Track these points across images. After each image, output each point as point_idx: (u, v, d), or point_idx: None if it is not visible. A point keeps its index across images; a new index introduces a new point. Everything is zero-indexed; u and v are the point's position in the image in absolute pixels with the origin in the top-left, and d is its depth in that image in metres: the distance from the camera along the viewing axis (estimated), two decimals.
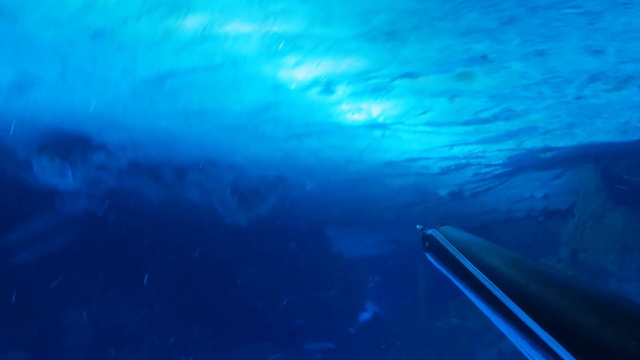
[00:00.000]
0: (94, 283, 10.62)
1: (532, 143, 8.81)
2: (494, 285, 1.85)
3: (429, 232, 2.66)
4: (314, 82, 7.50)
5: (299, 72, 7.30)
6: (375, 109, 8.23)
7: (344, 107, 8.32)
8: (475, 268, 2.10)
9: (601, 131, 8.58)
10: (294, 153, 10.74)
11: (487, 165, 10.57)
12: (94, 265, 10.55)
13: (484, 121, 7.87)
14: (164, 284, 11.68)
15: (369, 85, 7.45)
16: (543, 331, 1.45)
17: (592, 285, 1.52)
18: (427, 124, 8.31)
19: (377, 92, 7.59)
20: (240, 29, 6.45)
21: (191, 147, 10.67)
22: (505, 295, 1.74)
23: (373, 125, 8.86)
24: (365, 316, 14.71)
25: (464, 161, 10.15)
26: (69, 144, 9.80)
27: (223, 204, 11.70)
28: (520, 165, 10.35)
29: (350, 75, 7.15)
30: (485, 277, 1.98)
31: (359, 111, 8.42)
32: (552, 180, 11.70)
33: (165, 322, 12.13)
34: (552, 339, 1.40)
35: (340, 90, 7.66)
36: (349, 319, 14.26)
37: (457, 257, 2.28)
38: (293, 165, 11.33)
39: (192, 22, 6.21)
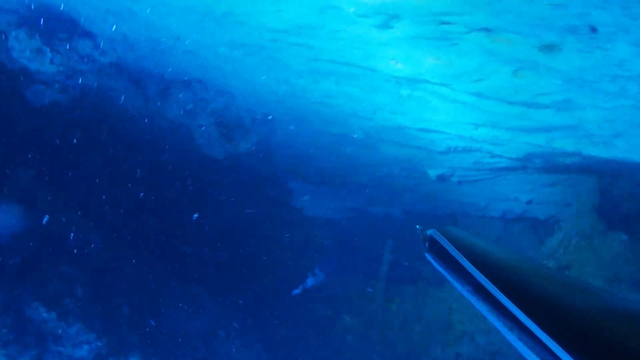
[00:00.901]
0: (42, 183, 9.04)
1: (562, 144, 8.13)
2: (494, 287, 1.81)
3: (430, 232, 2.69)
4: (376, 10, 6.32)
5: None
6: (426, 63, 7.18)
7: (392, 51, 7.21)
8: (475, 269, 2.05)
9: None
10: (301, 93, 9.53)
11: (495, 156, 9.85)
12: (48, 163, 8.97)
13: (534, 106, 7.04)
14: (116, 196, 10.24)
15: (436, 32, 6.37)
16: (543, 333, 1.45)
17: (594, 287, 1.53)
18: (473, 93, 7.37)
19: (441, 41, 6.53)
20: None
21: (186, 59, 9.19)
22: (505, 298, 1.70)
23: (409, 80, 7.84)
24: (312, 281, 13.89)
25: (477, 145, 9.36)
26: (54, 24, 8.30)
27: (202, 129, 10.33)
28: (528, 164, 9.69)
29: (422, 11, 6.02)
30: (485, 278, 1.92)
31: (406, 60, 7.34)
32: (545, 187, 11.19)
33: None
34: (551, 340, 1.41)
35: (399, 29, 6.53)
36: (295, 280, 13.41)
37: (457, 258, 2.24)
38: (292, 107, 10.12)
39: None
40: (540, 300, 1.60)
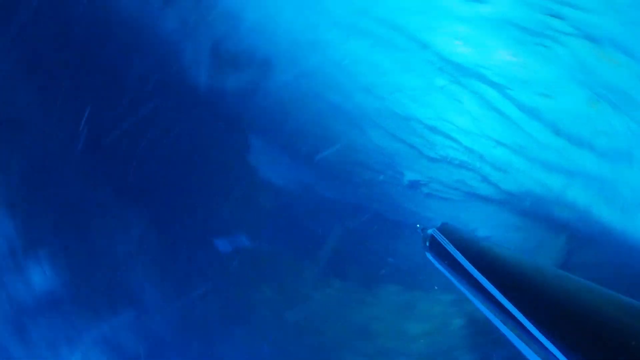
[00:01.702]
0: None
1: (575, 195, 7.50)
2: (493, 286, 1.88)
3: (430, 231, 3.00)
4: None
5: None
6: (496, 56, 6.20)
7: (465, 30, 6.16)
8: (474, 268, 2.10)
9: None
10: (322, 45, 8.24)
11: (486, 181, 9.16)
12: None
13: (583, 145, 6.31)
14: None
15: (536, 23, 5.40)
16: (539, 333, 1.49)
17: (593, 285, 1.52)
18: (526, 108, 6.52)
19: (534, 37, 5.57)
20: None
21: None
22: (503, 296, 1.77)
23: (459, 69, 6.83)
24: (246, 242, 12.51)
25: (477, 165, 8.59)
26: None
27: (195, 50, 8.69)
28: (514, 201, 9.09)
29: None
30: (484, 277, 1.97)
31: (475, 46, 6.32)
32: (510, 229, 10.72)
33: None
34: (547, 339, 1.43)
35: (492, 7, 5.49)
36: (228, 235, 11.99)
37: (456, 257, 2.32)
38: (303, 58, 8.77)
39: None
40: (539, 300, 1.59)
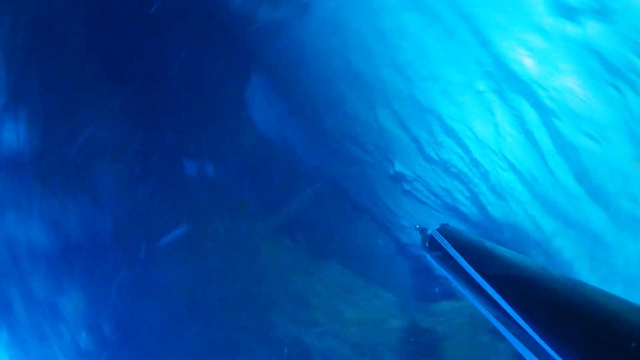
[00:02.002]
0: None
1: (561, 244, 7.36)
2: (492, 287, 1.85)
3: (429, 232, 2.89)
4: None
5: None
6: (561, 80, 5.81)
7: (537, 40, 5.71)
8: (473, 269, 2.09)
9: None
10: (373, 9, 7.58)
11: (471, 200, 8.93)
12: None
13: (601, 201, 6.10)
14: None
15: (620, 59, 5.03)
16: (538, 334, 1.47)
17: (593, 287, 1.49)
18: (560, 142, 6.20)
19: (611, 74, 5.21)
20: None
21: None
22: (502, 298, 1.74)
23: (513, 78, 6.40)
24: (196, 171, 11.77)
25: (475, 181, 8.31)
26: None
27: None
28: (491, 231, 8.92)
29: None
30: (483, 278, 1.95)
31: (544, 63, 5.90)
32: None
33: None
34: (545, 340, 1.42)
35: (578, 27, 5.08)
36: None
37: (456, 258, 2.25)
38: (344, 14, 8.10)
39: None
40: (538, 301, 1.55)
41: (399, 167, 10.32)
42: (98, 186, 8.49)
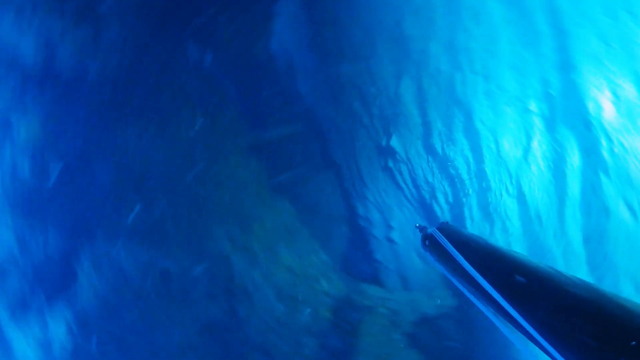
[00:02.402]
0: None
1: None
2: (491, 286, 1.83)
3: (429, 231, 2.76)
4: None
5: None
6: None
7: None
8: (472, 268, 2.04)
9: None
10: None
11: (446, 207, 8.62)
12: None
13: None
14: None
15: None
16: (537, 331, 1.47)
17: (592, 285, 1.49)
18: (592, 181, 5.84)
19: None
20: None
21: None
22: (501, 296, 1.73)
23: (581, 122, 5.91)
24: (199, 56, 10.67)
25: (467, 190, 7.93)
26: None
27: None
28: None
29: None
30: (482, 277, 1.93)
31: (624, 106, 5.42)
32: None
33: None
34: (545, 338, 1.42)
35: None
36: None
37: (455, 256, 2.23)
38: None
39: None
40: (538, 299, 1.56)
41: (393, 142, 9.72)
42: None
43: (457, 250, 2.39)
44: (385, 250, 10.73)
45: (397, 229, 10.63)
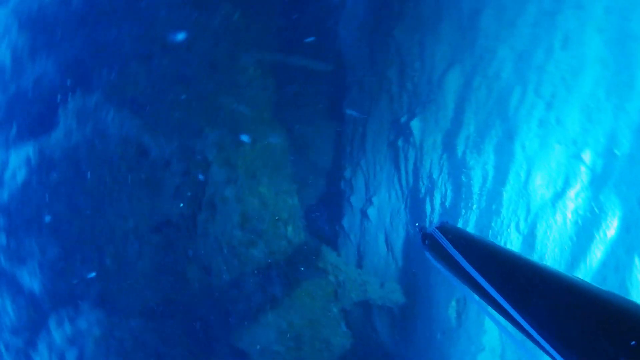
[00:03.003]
0: None
1: None
2: (491, 285, 1.85)
3: (429, 230, 2.81)
4: None
5: None
6: None
7: None
8: (472, 267, 2.06)
9: None
10: None
11: (434, 214, 8.42)
12: None
13: None
14: None
15: None
16: (536, 331, 1.50)
17: (592, 286, 1.49)
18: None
19: None
20: None
21: None
22: (501, 295, 1.75)
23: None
24: None
25: (466, 208, 7.71)
26: None
27: None
28: None
29: None
30: (482, 276, 1.94)
31: None
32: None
33: None
34: (544, 337, 1.45)
35: None
36: None
37: (455, 256, 2.25)
38: None
39: None
40: (538, 299, 1.56)
41: (414, 123, 9.23)
42: None
43: (457, 250, 2.33)
44: (355, 222, 10.38)
45: (376, 207, 10.26)
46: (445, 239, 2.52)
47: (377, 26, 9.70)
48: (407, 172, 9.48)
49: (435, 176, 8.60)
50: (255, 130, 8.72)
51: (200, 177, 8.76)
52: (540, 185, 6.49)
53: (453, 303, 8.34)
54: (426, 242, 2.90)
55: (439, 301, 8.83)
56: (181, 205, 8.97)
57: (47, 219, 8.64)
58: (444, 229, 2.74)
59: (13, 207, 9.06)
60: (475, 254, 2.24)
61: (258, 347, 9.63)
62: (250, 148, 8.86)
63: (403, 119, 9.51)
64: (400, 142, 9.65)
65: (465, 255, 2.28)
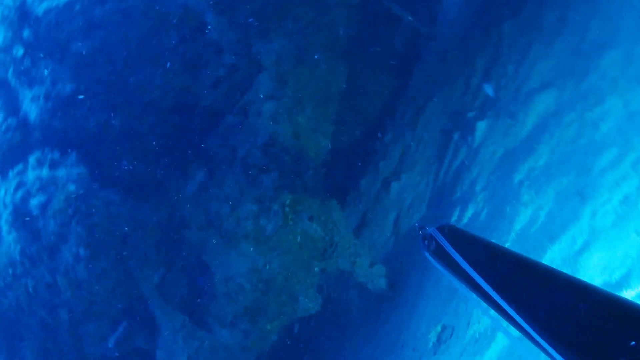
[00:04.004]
0: None
1: None
2: (492, 287, 1.80)
3: (429, 231, 2.63)
4: None
5: None
6: None
7: None
8: (473, 269, 2.03)
9: None
10: None
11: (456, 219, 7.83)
12: None
13: None
14: None
15: None
16: (538, 333, 1.47)
17: (596, 287, 1.46)
18: None
19: None
20: None
21: None
22: (502, 297, 1.72)
23: None
24: None
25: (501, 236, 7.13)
26: None
27: None
28: None
29: None
30: (483, 278, 1.91)
31: None
32: None
33: None
34: (546, 340, 1.43)
35: None
36: None
37: (456, 257, 2.21)
38: None
39: None
40: (540, 301, 1.55)
41: (478, 125, 8.48)
42: None
43: (458, 250, 2.29)
44: (373, 188, 9.72)
45: (400, 185, 9.47)
46: (444, 239, 2.45)
47: (487, 9, 8.87)
48: (449, 168, 8.79)
49: (477, 188, 7.91)
50: (323, 55, 7.90)
51: (246, 80, 7.97)
52: (595, 266, 5.86)
53: (439, 327, 7.73)
54: (425, 242, 2.77)
55: (423, 314, 8.23)
56: (211, 97, 8.21)
57: (75, 48, 7.82)
58: (445, 229, 2.64)
59: (44, 24, 8.21)
60: (476, 254, 2.18)
61: (225, 273, 9.04)
62: (309, 71, 8.03)
63: (470, 114, 8.77)
64: (455, 135, 8.93)
65: (466, 256, 2.22)
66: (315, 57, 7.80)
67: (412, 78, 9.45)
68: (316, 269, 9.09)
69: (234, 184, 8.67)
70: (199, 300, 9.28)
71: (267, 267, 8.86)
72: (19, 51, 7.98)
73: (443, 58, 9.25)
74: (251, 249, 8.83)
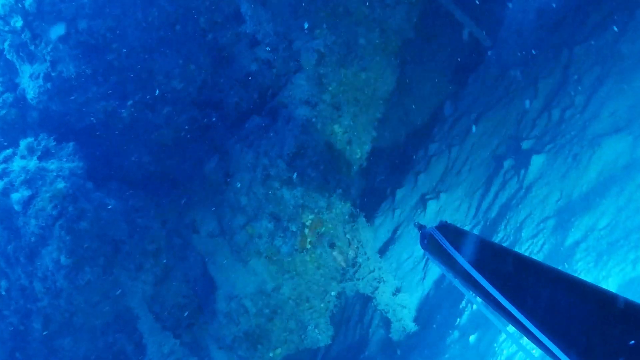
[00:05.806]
0: None
1: None
2: (492, 285, 1.80)
3: (428, 230, 2.64)
4: None
5: None
6: None
7: None
8: (472, 267, 2.03)
9: None
10: None
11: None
12: None
13: None
14: None
15: None
16: (538, 331, 1.46)
17: (594, 285, 1.47)
18: None
19: None
20: None
21: None
22: (502, 295, 1.72)
23: None
24: None
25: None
26: None
27: None
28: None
29: None
30: (483, 276, 1.90)
31: None
32: None
33: None
34: (545, 337, 1.42)
35: None
36: None
37: (455, 256, 2.22)
38: None
39: None
40: (538, 299, 1.55)
41: (534, 160, 7.47)
42: None
43: (457, 249, 2.27)
44: (409, 202, 8.71)
45: (439, 205, 8.44)
46: (444, 238, 2.37)
47: (560, 27, 7.84)
48: (494, 200, 7.79)
49: (523, 234, 6.91)
50: (372, 57, 6.83)
51: (280, 79, 6.90)
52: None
53: None
54: (425, 241, 2.71)
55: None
56: (237, 95, 7.15)
57: (83, 25, 6.71)
58: (444, 228, 2.56)
59: None
60: (475, 253, 2.14)
61: (230, 290, 8.07)
62: (353, 75, 6.96)
63: (524, 145, 7.77)
64: (506, 164, 7.93)
65: (465, 255, 2.18)
66: (364, 59, 6.74)
67: (466, 88, 8.45)
68: (333, 292, 8.10)
69: (252, 194, 7.65)
70: (195, 317, 8.30)
71: (277, 292, 7.89)
72: (18, 22, 6.86)
73: (501, 76, 8.23)
74: (261, 268, 7.86)
